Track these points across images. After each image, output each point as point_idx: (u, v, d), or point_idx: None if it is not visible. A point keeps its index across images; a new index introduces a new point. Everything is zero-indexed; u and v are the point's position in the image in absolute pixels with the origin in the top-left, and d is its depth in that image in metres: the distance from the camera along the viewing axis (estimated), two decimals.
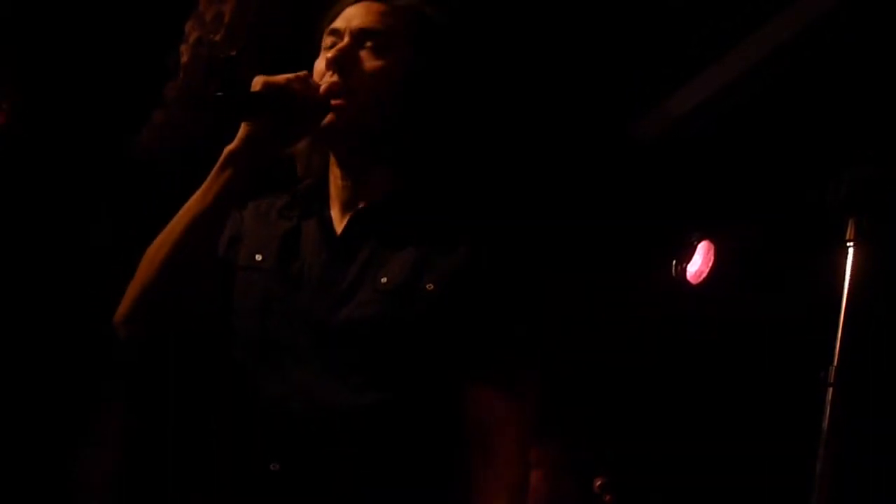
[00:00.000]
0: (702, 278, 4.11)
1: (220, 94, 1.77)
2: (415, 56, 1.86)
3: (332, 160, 1.93)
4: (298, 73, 1.82)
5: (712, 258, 4.11)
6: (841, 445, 2.31)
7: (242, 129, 1.82)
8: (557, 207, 4.09)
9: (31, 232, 3.72)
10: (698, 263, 4.12)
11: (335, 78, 1.83)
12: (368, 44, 1.86)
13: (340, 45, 1.85)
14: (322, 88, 1.82)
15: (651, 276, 4.21)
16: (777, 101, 3.55)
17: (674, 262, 4.12)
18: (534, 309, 1.89)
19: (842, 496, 2.31)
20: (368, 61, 1.85)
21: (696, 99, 3.70)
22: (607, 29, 3.48)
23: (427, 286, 1.79)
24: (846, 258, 2.43)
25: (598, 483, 3.68)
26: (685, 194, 4.07)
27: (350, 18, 1.88)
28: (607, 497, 3.67)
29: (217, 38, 3.12)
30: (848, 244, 2.43)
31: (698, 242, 4.11)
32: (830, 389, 2.34)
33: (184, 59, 3.18)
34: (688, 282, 4.12)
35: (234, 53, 3.22)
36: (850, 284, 2.41)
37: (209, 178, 1.84)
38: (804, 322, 2.95)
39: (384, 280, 1.81)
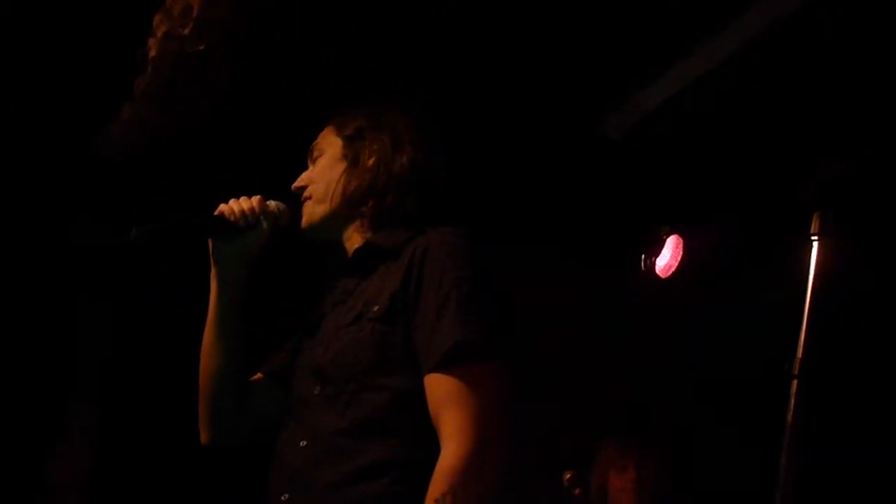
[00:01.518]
0: (670, 272, 4.13)
1: (135, 235, 2.06)
2: (345, 153, 2.25)
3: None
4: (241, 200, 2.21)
5: (681, 252, 4.12)
6: (805, 436, 2.33)
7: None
8: (526, 204, 4.10)
9: (6, 229, 3.71)
10: (667, 258, 4.13)
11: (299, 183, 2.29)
12: (315, 156, 2.32)
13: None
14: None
15: (620, 270, 4.22)
16: (746, 97, 3.57)
17: (643, 256, 4.14)
18: (476, 304, 1.96)
19: (805, 486, 2.33)
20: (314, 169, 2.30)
21: (664, 95, 3.71)
22: (576, 25, 3.49)
23: (374, 309, 2.06)
24: (811, 251, 2.46)
25: (568, 476, 3.71)
26: (654, 189, 4.08)
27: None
28: (577, 490, 3.70)
29: (186, 31, 3.11)
30: (813, 238, 2.46)
31: (667, 237, 4.13)
32: (794, 381, 2.37)
33: (152, 53, 3.16)
34: (657, 276, 4.13)
35: (202, 48, 3.21)
36: (814, 278, 2.44)
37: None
38: (770, 315, 2.97)
39: (349, 317, 2.11)
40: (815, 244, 2.46)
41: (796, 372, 2.38)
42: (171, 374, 3.70)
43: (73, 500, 3.94)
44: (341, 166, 2.23)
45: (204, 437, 2.27)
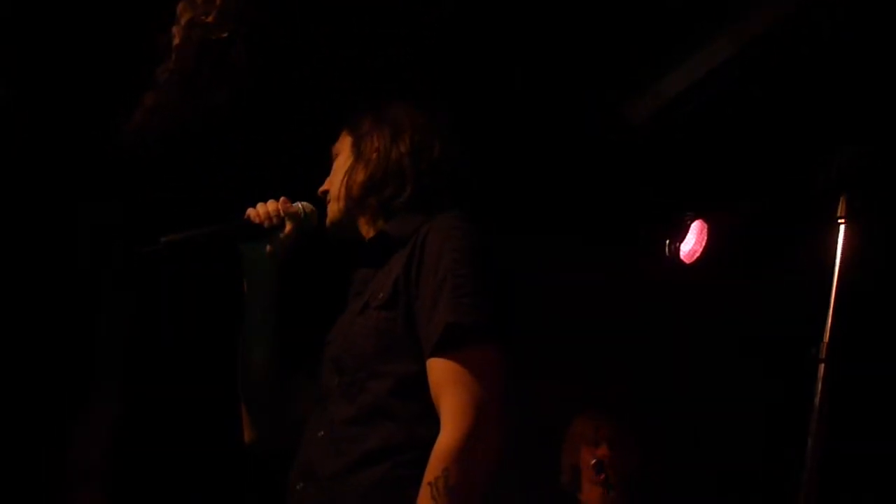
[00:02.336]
0: (695, 257, 4.11)
1: (164, 244, 2.13)
2: (353, 150, 2.32)
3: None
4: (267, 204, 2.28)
5: (706, 237, 4.11)
6: (832, 419, 2.32)
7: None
8: (549, 191, 4.09)
9: (22, 219, 3.72)
10: (692, 242, 4.12)
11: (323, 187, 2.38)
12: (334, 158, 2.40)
13: None
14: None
15: (645, 255, 4.21)
16: (770, 80, 3.55)
17: (667, 241, 4.13)
18: (471, 287, 1.98)
19: (832, 471, 2.32)
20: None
21: (689, 79, 3.69)
22: (601, 9, 3.47)
23: (379, 296, 2.11)
24: (837, 235, 2.44)
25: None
26: (678, 174, 4.07)
27: None
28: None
29: (209, 19, 3.11)
30: (839, 221, 2.44)
31: (692, 222, 4.11)
32: (822, 365, 2.36)
33: (175, 41, 3.17)
34: (681, 261, 4.12)
35: (225, 35, 3.22)
36: (841, 261, 2.42)
37: None
38: (796, 298, 2.96)
39: (359, 306, 2.17)
40: (842, 227, 2.44)
41: (823, 356, 2.37)
42: (193, 357, 3.74)
43: (92, 485, 3.95)
44: (349, 164, 2.30)
45: (248, 439, 2.32)
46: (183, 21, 3.11)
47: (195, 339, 3.67)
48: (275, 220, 2.26)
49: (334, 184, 2.33)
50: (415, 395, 1.98)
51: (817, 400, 2.35)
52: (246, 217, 2.28)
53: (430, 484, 1.85)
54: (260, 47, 3.28)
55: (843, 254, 2.43)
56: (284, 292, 2.32)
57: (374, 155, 2.26)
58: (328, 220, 2.33)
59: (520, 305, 2.09)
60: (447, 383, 1.93)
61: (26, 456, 3.70)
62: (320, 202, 2.37)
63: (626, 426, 3.78)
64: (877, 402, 3.32)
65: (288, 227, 2.28)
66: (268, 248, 2.27)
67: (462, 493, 1.84)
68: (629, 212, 4.17)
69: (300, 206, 2.31)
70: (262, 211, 2.27)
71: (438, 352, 1.96)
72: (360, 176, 2.26)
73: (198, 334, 3.66)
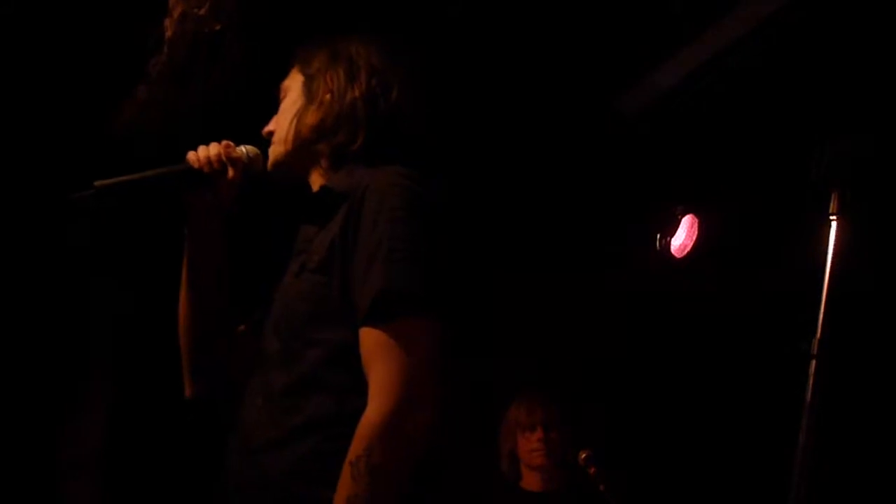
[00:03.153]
0: (686, 252, 4.12)
1: (97, 189, 1.97)
2: (304, 90, 2.15)
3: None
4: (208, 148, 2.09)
5: (696, 232, 4.12)
6: (823, 415, 2.33)
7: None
8: (541, 183, 4.09)
9: (14, 217, 3.71)
10: (682, 237, 4.13)
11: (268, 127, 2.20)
12: (282, 97, 2.22)
13: None
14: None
15: (636, 249, 4.22)
16: (761, 75, 3.55)
17: (658, 235, 4.13)
18: (408, 253, 1.86)
19: (824, 466, 2.33)
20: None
21: (680, 73, 3.69)
22: (594, 3, 3.47)
23: (315, 257, 1.97)
24: (829, 231, 2.45)
25: (584, 456, 3.71)
26: (670, 168, 4.07)
27: None
28: (591, 469, 3.70)
29: (202, 12, 3.10)
30: (831, 217, 2.45)
31: (682, 216, 4.12)
32: (813, 361, 2.37)
33: (168, 33, 3.16)
34: (672, 255, 4.13)
35: (218, 28, 3.21)
36: (833, 257, 2.43)
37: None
38: (788, 294, 2.97)
39: (297, 268, 2.03)
40: (834, 224, 2.45)
41: (815, 352, 2.38)
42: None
43: (85, 478, 3.95)
44: (299, 105, 2.13)
45: (188, 391, 2.18)
46: (175, 14, 3.10)
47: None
48: (216, 166, 2.05)
49: (281, 125, 2.15)
50: (348, 364, 1.85)
51: (808, 395, 2.36)
52: (186, 162, 2.07)
53: (351, 463, 1.74)
54: (254, 40, 3.28)
55: (834, 250, 2.44)
56: (231, 243, 2.16)
57: (327, 97, 2.09)
58: (271, 162, 2.14)
59: (456, 274, 1.93)
60: (376, 355, 1.80)
61: (20, 448, 3.70)
62: (266, 145, 2.18)
63: (561, 407, 3.75)
64: (867, 398, 3.34)
65: (231, 172, 2.07)
66: (210, 195, 2.08)
67: (385, 473, 1.73)
68: (620, 205, 4.17)
69: (244, 149, 2.11)
70: (202, 155, 2.06)
71: (370, 320, 1.82)
72: (311, 119, 2.09)
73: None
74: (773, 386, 3.13)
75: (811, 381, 2.35)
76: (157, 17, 3.06)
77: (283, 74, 3.63)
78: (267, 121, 2.21)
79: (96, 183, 1.94)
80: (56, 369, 3.90)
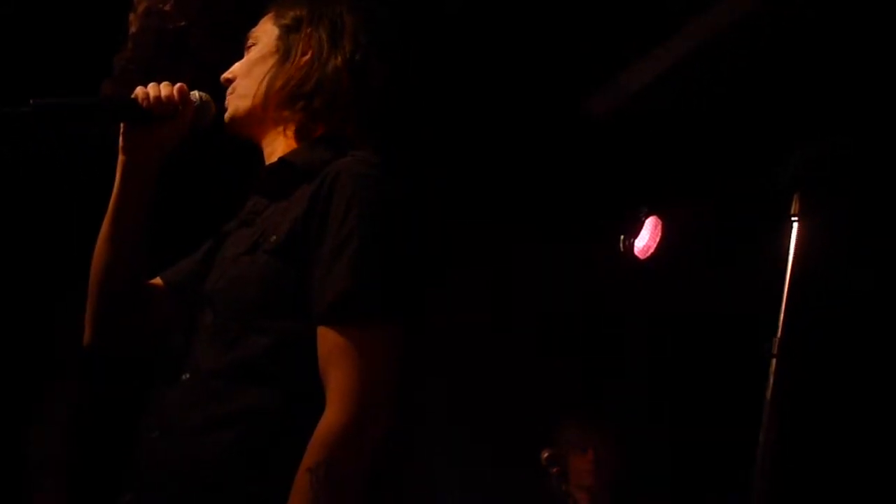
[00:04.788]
0: (649, 253, 4.14)
1: (33, 105, 1.82)
2: (278, 45, 2.00)
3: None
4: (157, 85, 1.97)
5: (660, 233, 4.14)
6: (784, 413, 2.36)
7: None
8: (505, 182, 4.11)
9: None
10: (646, 238, 4.15)
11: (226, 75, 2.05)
12: (249, 45, 2.07)
13: None
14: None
15: (599, 250, 4.24)
16: (728, 78, 3.58)
17: (622, 236, 4.15)
18: (377, 253, 1.77)
19: (784, 464, 2.36)
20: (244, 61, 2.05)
21: (647, 75, 3.72)
22: (560, 5, 3.49)
23: (271, 239, 1.84)
24: (791, 232, 2.48)
25: (546, 455, 3.73)
26: (633, 170, 4.10)
27: None
28: (555, 469, 3.72)
29: (167, 7, 3.07)
30: (793, 219, 2.49)
31: (646, 218, 4.14)
32: (774, 360, 2.40)
33: (132, 28, 3.13)
34: (635, 256, 4.15)
35: (183, 24, 3.19)
36: (794, 258, 2.47)
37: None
38: (749, 295, 3.00)
39: (247, 244, 1.88)
40: (795, 225, 2.48)
41: (775, 351, 2.41)
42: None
43: (51, 479, 3.93)
44: (271, 60, 1.98)
45: (86, 338, 2.03)
46: (140, 9, 3.07)
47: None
48: (167, 108, 1.92)
49: (245, 77, 2.00)
50: (294, 358, 1.76)
51: (769, 394, 2.39)
52: (133, 97, 1.94)
53: (309, 470, 1.65)
54: (221, 37, 3.26)
55: (795, 251, 2.47)
56: (163, 191, 2.02)
57: (305, 59, 1.95)
58: (229, 115, 2.00)
59: (423, 278, 1.86)
60: (337, 358, 1.71)
61: None
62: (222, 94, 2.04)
63: (609, 431, 3.81)
64: (827, 396, 3.38)
65: (181, 118, 1.94)
66: (154, 135, 1.94)
67: (345, 482, 1.66)
68: (584, 206, 4.19)
69: (196, 94, 1.99)
70: (152, 93, 1.93)
71: (331, 320, 1.73)
72: (284, 80, 1.95)
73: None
74: (735, 385, 3.16)
75: (771, 380, 2.39)
76: (121, 13, 3.04)
77: None
78: None
79: (32, 100, 1.81)
80: (21, 371, 3.87)
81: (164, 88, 1.95)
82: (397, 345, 1.75)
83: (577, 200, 4.19)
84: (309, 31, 1.97)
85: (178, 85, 1.97)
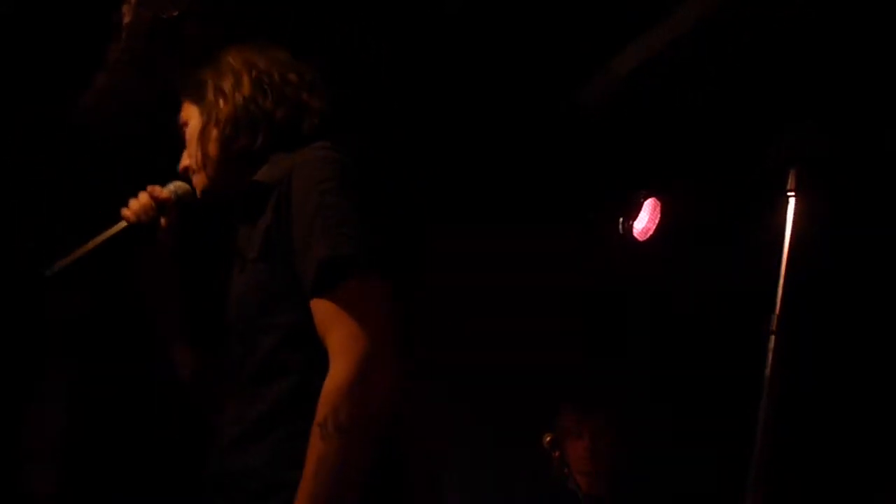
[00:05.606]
0: (648, 235, 4.14)
1: (54, 270, 2.16)
2: (201, 115, 2.18)
3: None
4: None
5: (659, 215, 4.14)
6: (782, 391, 2.36)
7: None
8: (503, 169, 4.10)
9: None
10: (645, 220, 4.15)
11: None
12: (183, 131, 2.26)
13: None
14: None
15: (599, 232, 4.23)
16: (721, 59, 3.57)
17: (621, 219, 4.15)
18: (341, 219, 1.88)
19: (783, 440, 2.36)
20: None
21: (641, 57, 3.71)
22: None
23: (253, 249, 2.00)
24: (787, 209, 2.47)
25: (548, 439, 3.73)
26: (632, 152, 4.09)
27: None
28: (556, 454, 3.72)
29: None
30: (789, 194, 2.48)
31: (645, 200, 4.14)
32: (772, 337, 2.39)
33: (126, 19, 3.14)
34: (634, 238, 4.15)
35: (176, 14, 3.19)
36: (791, 233, 2.46)
37: None
38: (750, 272, 2.99)
39: (241, 264, 2.08)
40: (792, 201, 2.47)
41: (774, 327, 2.40)
42: (146, 336, 3.70)
43: (47, 466, 3.92)
44: (200, 130, 2.16)
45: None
46: (133, 0, 3.08)
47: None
48: (151, 213, 2.17)
49: (191, 153, 2.19)
50: (305, 344, 1.86)
51: (768, 371, 2.38)
52: (123, 219, 2.19)
53: (319, 425, 1.75)
54: (213, 26, 3.26)
55: (792, 227, 2.46)
56: (191, 270, 2.26)
57: (221, 108, 2.12)
58: (199, 192, 2.19)
59: (402, 231, 2.01)
60: (330, 322, 1.82)
61: None
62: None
63: (607, 417, 3.81)
64: (826, 373, 3.38)
65: (164, 217, 2.20)
66: (155, 239, 2.21)
67: (353, 431, 1.75)
68: (583, 190, 4.18)
69: (171, 187, 2.22)
70: (135, 208, 2.18)
71: (317, 292, 1.85)
72: (213, 134, 2.12)
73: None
74: (734, 362, 3.16)
75: (770, 357, 2.38)
76: (115, 3, 3.04)
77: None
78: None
79: (50, 270, 2.15)
80: (16, 357, 3.87)
81: (142, 198, 2.18)
82: (385, 297, 1.86)
83: (575, 184, 4.18)
84: (215, 87, 2.15)
85: (149, 188, 2.20)
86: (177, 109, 2.26)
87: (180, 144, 2.26)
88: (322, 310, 1.84)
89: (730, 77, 3.53)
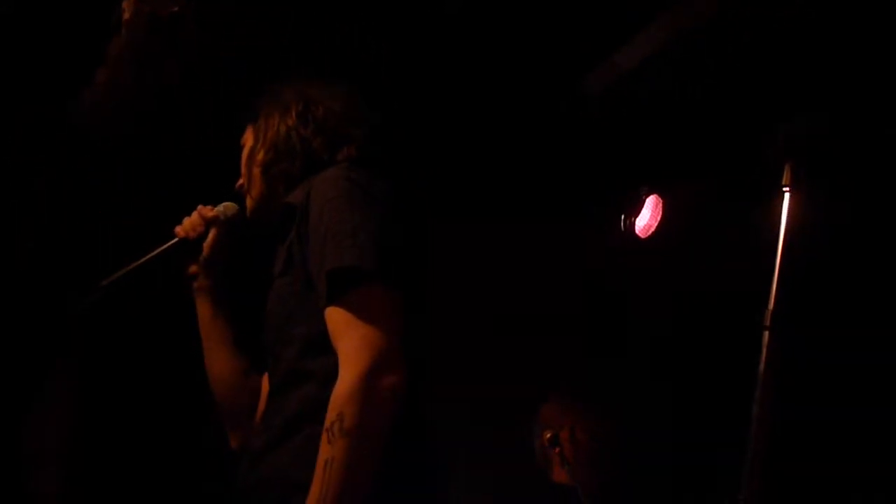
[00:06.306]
0: (650, 232, 4.13)
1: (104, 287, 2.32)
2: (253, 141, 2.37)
3: None
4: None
5: (660, 212, 4.13)
6: (776, 388, 2.34)
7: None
8: (504, 164, 4.10)
9: None
10: (647, 217, 4.14)
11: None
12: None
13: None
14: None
15: (601, 229, 4.23)
16: (723, 54, 3.56)
17: (622, 216, 4.14)
18: (350, 231, 1.98)
19: (777, 436, 2.34)
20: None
21: (644, 53, 3.70)
22: None
23: (278, 265, 2.16)
24: (782, 203, 2.46)
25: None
26: (634, 148, 4.08)
27: None
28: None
29: None
30: (784, 189, 2.46)
31: (647, 196, 4.13)
32: (766, 333, 2.38)
33: (126, 15, 3.15)
34: (636, 235, 4.14)
35: (176, 10, 3.20)
36: (786, 228, 2.44)
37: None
38: (746, 268, 2.98)
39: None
40: (787, 196, 2.46)
41: (768, 323, 2.39)
42: (153, 339, 3.72)
43: (50, 470, 3.93)
44: (251, 151, 2.35)
45: (234, 443, 2.35)
46: None
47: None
48: (200, 230, 2.36)
49: (244, 174, 2.37)
50: (324, 353, 1.96)
51: (761, 367, 2.37)
52: (175, 234, 2.37)
53: (326, 430, 1.84)
54: (215, 23, 3.26)
55: (787, 222, 2.45)
56: (239, 292, 2.38)
57: (269, 134, 2.30)
58: (248, 213, 2.37)
59: (417, 246, 2.09)
60: (339, 331, 1.92)
61: None
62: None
63: (590, 408, 3.81)
64: (820, 369, 3.36)
65: (212, 233, 2.37)
66: (200, 257, 2.38)
67: (357, 435, 1.82)
68: (584, 186, 4.18)
69: (221, 207, 2.39)
70: (187, 225, 2.37)
71: (329, 302, 1.94)
72: (259, 158, 2.31)
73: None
74: (728, 357, 3.15)
75: (764, 353, 2.37)
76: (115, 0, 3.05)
77: (244, 56, 3.64)
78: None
79: (103, 283, 2.30)
80: (21, 360, 3.88)
81: (194, 217, 2.38)
82: (392, 304, 1.94)
83: (576, 180, 4.17)
84: (266, 115, 2.34)
85: (199, 207, 2.40)
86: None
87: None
88: (333, 319, 1.94)
89: (730, 72, 3.52)
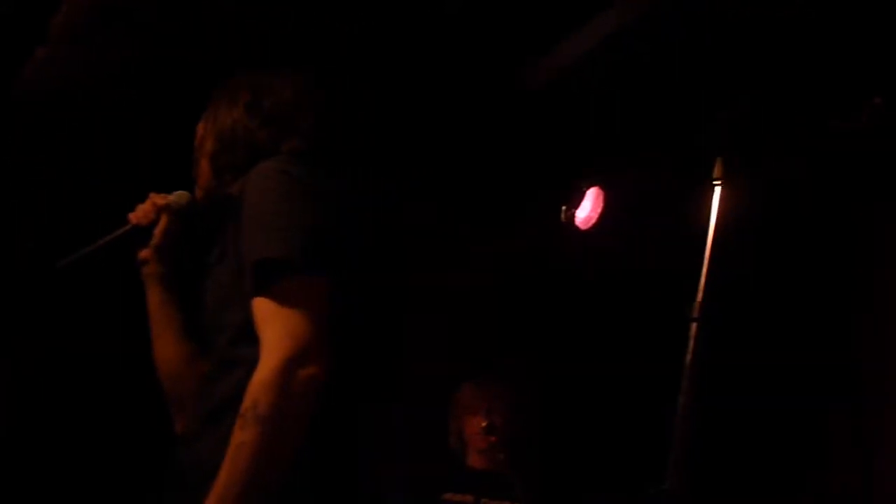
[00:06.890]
0: (591, 224, 4.16)
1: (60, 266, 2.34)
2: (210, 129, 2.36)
3: None
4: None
5: (601, 204, 4.15)
6: (703, 378, 2.38)
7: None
8: (445, 156, 4.10)
9: None
10: (587, 209, 4.16)
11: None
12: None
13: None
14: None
15: (541, 221, 4.25)
16: (663, 49, 3.58)
17: (563, 207, 4.16)
18: (276, 222, 1.98)
19: (702, 426, 2.38)
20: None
21: (584, 45, 3.72)
22: None
23: (213, 255, 2.17)
24: (712, 197, 2.50)
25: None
26: (574, 140, 4.10)
27: None
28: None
29: None
30: (715, 183, 2.50)
31: (588, 188, 4.15)
32: (694, 324, 2.42)
33: None
34: (577, 227, 4.16)
35: None
36: (716, 222, 2.48)
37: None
38: (676, 259, 3.01)
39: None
40: (717, 189, 2.50)
41: (696, 315, 2.42)
42: (102, 322, 3.68)
43: None
44: (203, 142, 2.36)
45: (179, 428, 2.33)
46: None
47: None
48: (152, 216, 2.37)
49: (195, 165, 2.38)
50: (256, 340, 1.94)
51: (688, 357, 2.41)
52: (128, 221, 2.39)
53: (241, 416, 1.84)
54: (176, 12, 3.25)
55: (717, 214, 2.48)
56: (188, 279, 2.37)
57: (216, 125, 2.31)
58: (198, 202, 2.38)
59: (350, 237, 2.08)
60: (264, 320, 1.92)
61: None
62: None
63: (509, 392, 3.84)
64: (745, 360, 3.41)
65: (163, 220, 2.38)
66: (151, 243, 2.38)
67: (271, 422, 1.83)
68: (525, 178, 4.20)
69: (173, 196, 2.39)
70: (139, 211, 2.38)
71: (255, 291, 1.95)
72: (206, 148, 2.32)
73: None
74: (656, 348, 3.18)
75: (692, 344, 2.40)
76: None
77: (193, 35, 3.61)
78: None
79: (58, 265, 2.33)
80: None
81: (146, 205, 2.38)
82: (319, 296, 1.93)
83: (518, 172, 4.19)
84: (215, 106, 2.34)
85: (151, 195, 2.39)
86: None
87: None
88: (259, 309, 1.94)
89: (668, 66, 3.54)
